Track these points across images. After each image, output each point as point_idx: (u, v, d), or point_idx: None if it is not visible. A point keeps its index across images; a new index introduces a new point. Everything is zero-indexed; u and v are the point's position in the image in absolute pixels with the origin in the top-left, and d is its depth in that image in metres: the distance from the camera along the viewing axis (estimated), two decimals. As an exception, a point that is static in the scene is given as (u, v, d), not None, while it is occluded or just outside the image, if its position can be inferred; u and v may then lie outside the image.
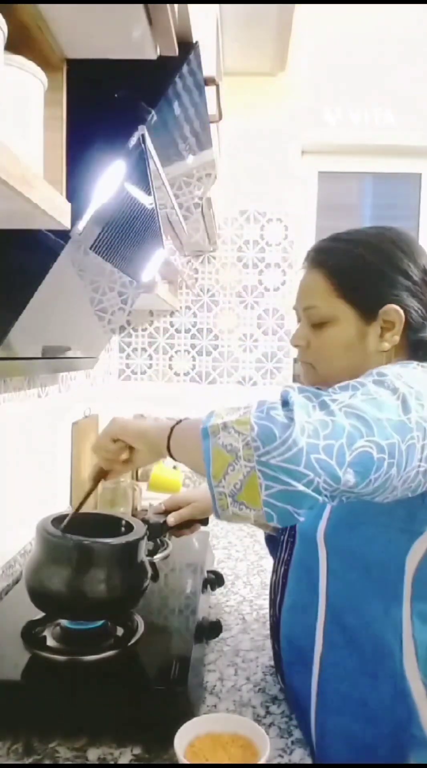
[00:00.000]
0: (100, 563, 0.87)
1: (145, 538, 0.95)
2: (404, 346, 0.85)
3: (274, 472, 0.60)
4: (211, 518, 1.09)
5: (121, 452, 0.88)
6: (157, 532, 1.02)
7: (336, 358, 0.87)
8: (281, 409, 0.64)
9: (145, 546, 0.95)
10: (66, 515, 0.93)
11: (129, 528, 0.95)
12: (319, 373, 0.89)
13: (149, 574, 0.94)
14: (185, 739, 0.73)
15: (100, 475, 0.92)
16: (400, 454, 0.65)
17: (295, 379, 2.39)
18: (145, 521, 1.00)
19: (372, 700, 0.80)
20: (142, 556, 0.94)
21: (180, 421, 0.79)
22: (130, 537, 0.91)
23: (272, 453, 0.60)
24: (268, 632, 1.11)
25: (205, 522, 1.11)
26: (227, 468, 0.63)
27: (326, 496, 0.62)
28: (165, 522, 1.05)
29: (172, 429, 0.78)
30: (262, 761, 0.70)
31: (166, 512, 1.09)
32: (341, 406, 0.65)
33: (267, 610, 1.18)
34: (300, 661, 0.87)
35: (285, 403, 0.65)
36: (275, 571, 0.98)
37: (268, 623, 1.06)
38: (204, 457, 0.65)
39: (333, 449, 0.61)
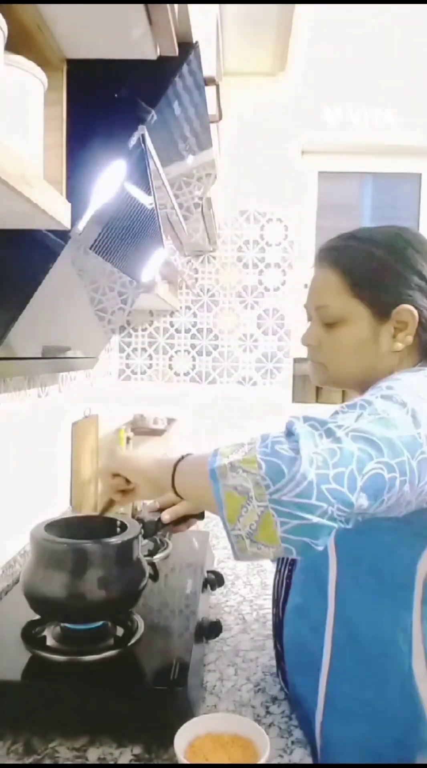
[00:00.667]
0: (95, 565, 0.87)
1: (140, 537, 0.95)
2: (416, 347, 0.85)
3: (287, 509, 0.60)
4: (208, 513, 1.09)
5: (120, 485, 0.91)
6: (153, 530, 1.02)
7: (349, 357, 0.86)
8: (285, 441, 0.64)
9: (140, 545, 0.95)
10: (60, 521, 0.94)
11: (123, 528, 0.95)
12: (330, 373, 0.89)
13: (147, 574, 0.94)
14: (185, 739, 0.73)
15: (109, 504, 0.97)
16: (411, 471, 0.64)
17: (295, 379, 2.39)
18: (139, 520, 1.00)
19: (380, 704, 0.80)
20: (139, 555, 0.94)
21: (182, 457, 0.79)
22: (124, 537, 0.91)
23: (283, 490, 0.60)
24: (268, 632, 1.10)
25: (200, 516, 1.11)
26: (240, 510, 0.63)
27: (341, 522, 0.62)
28: (159, 519, 1.06)
29: (175, 467, 0.78)
30: (262, 761, 0.70)
31: (161, 509, 1.09)
32: (348, 431, 0.64)
33: (267, 610, 1.18)
34: (305, 663, 0.87)
35: (290, 434, 0.65)
36: (278, 571, 0.98)
37: (268, 623, 1.06)
38: (216, 501, 0.65)
39: (344, 477, 0.61)
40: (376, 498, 0.63)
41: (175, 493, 0.79)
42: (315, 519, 0.60)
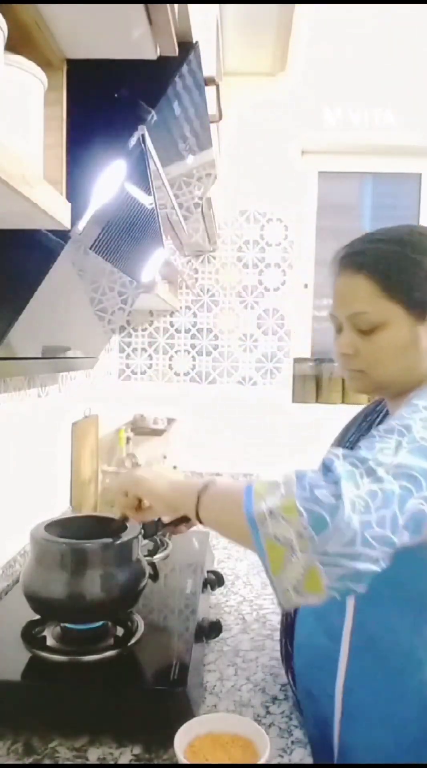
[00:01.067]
0: (95, 565, 0.87)
1: (140, 537, 0.95)
2: None
3: (333, 559, 0.60)
4: None
5: (133, 503, 0.89)
6: (153, 530, 1.02)
7: (391, 361, 0.84)
8: (324, 485, 0.62)
9: (139, 545, 0.95)
10: (60, 521, 0.94)
11: (123, 528, 0.95)
12: (372, 379, 0.86)
13: (147, 574, 0.94)
14: (185, 739, 0.73)
15: (124, 518, 0.94)
16: None
17: (295, 379, 2.39)
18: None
19: (398, 712, 0.79)
20: (138, 555, 0.94)
21: (206, 485, 0.77)
22: (124, 537, 0.91)
23: (328, 541, 0.60)
24: (268, 632, 1.10)
25: None
26: (284, 562, 0.62)
27: (384, 563, 0.62)
28: (159, 520, 1.06)
29: (199, 497, 0.76)
30: (262, 761, 0.70)
31: None
32: (389, 468, 0.64)
33: (267, 610, 1.18)
34: (320, 666, 0.86)
35: (328, 471, 0.64)
36: None
37: (268, 623, 1.06)
38: (256, 549, 0.64)
39: (386, 519, 0.61)
40: (417, 531, 0.63)
41: (199, 521, 0.77)
42: (361, 566, 0.60)
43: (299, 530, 0.61)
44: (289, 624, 0.94)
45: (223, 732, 0.75)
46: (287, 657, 0.94)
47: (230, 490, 0.72)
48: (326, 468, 0.65)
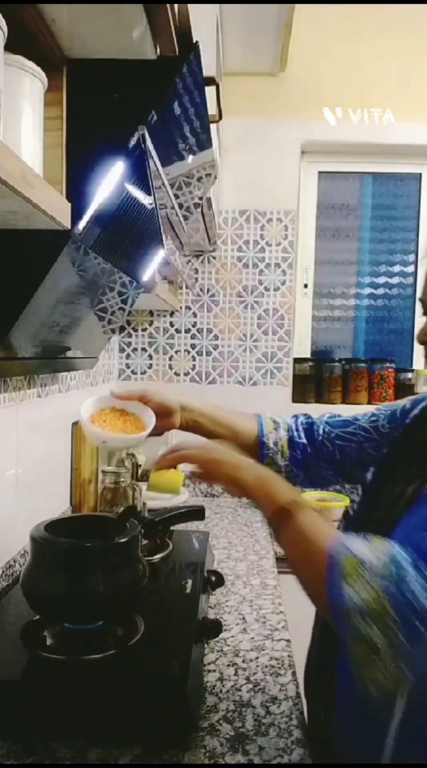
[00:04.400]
0: (95, 565, 0.87)
1: (140, 537, 0.95)
2: None
3: (414, 662, 0.59)
4: (209, 514, 1.08)
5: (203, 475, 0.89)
6: (154, 531, 1.02)
7: None
8: (423, 589, 0.59)
9: (139, 545, 0.95)
10: (60, 521, 0.94)
11: (123, 528, 0.95)
12: None
13: (147, 574, 0.94)
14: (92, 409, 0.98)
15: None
16: None
17: (295, 379, 2.39)
18: (140, 520, 1.00)
19: None
20: (139, 555, 0.94)
21: (292, 511, 0.74)
22: (124, 537, 0.91)
23: (419, 653, 0.58)
24: (268, 632, 1.11)
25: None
26: (368, 663, 0.60)
27: None
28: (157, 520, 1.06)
29: (282, 515, 0.75)
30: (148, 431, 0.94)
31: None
32: None
33: (267, 610, 1.18)
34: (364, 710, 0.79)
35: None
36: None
37: (268, 623, 1.05)
38: (340, 633, 0.62)
39: None
40: None
41: (273, 529, 0.77)
42: None
43: (392, 641, 0.58)
44: (328, 662, 0.87)
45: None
46: (325, 693, 0.86)
47: (315, 534, 0.70)
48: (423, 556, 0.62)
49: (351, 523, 0.91)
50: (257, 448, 1.05)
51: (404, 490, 0.81)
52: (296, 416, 1.13)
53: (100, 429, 0.94)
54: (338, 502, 2.03)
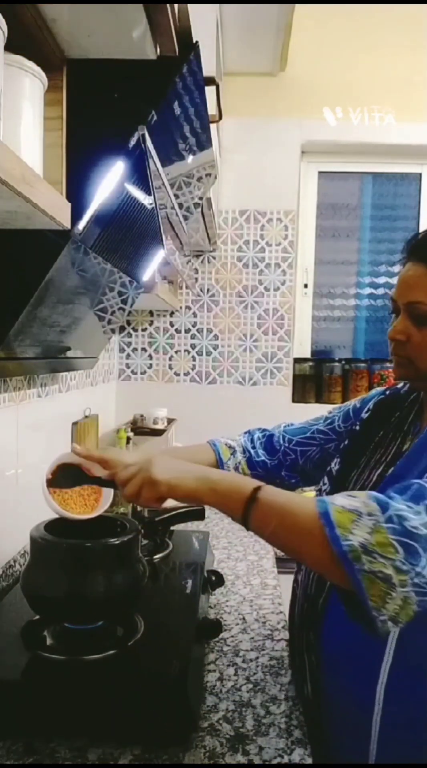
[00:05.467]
0: (95, 565, 0.87)
1: (140, 537, 0.95)
2: None
3: (425, 588, 0.65)
4: (209, 514, 1.08)
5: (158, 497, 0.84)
6: (154, 531, 1.02)
7: None
8: (413, 516, 0.66)
9: (139, 545, 0.95)
10: (60, 521, 0.94)
11: (123, 528, 0.95)
12: (417, 369, 0.87)
13: (147, 574, 0.94)
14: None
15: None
16: None
17: (295, 379, 2.39)
18: (140, 520, 1.00)
19: None
20: (139, 555, 0.94)
21: (256, 497, 0.73)
22: (124, 537, 0.90)
23: (423, 572, 0.64)
24: (268, 632, 1.11)
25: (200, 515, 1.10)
26: (385, 597, 0.64)
27: None
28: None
29: (248, 507, 0.73)
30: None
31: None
32: None
33: (267, 610, 1.18)
34: (357, 666, 0.84)
35: (420, 497, 0.68)
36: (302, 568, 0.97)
37: (268, 623, 1.05)
38: (353, 584, 0.65)
39: None
40: None
41: (247, 528, 0.75)
42: None
43: (397, 565, 0.64)
44: (313, 616, 0.91)
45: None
46: (309, 648, 0.91)
47: (289, 505, 0.71)
48: (414, 494, 0.69)
49: None
50: None
51: (370, 475, 0.90)
52: (248, 432, 1.17)
53: (55, 501, 0.90)
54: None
